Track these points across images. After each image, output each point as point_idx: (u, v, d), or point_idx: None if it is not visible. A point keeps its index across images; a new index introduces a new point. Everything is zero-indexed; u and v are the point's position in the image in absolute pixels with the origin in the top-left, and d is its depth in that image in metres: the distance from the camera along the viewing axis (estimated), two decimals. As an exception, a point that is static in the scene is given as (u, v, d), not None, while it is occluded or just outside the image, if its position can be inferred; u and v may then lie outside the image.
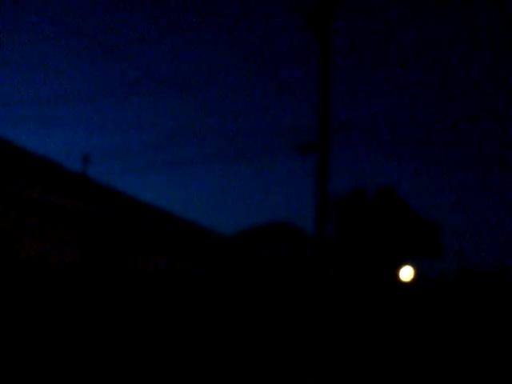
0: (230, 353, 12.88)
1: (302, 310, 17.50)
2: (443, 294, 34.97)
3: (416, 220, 35.68)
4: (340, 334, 17.19)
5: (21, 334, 9.78)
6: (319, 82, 15.21)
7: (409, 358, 13.48)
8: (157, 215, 15.67)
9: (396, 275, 33.61)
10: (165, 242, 14.79)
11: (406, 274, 33.98)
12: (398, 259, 34.61)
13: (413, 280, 34.29)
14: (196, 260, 16.20)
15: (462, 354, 14.65)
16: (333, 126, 15.86)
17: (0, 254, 9.82)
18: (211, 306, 15.85)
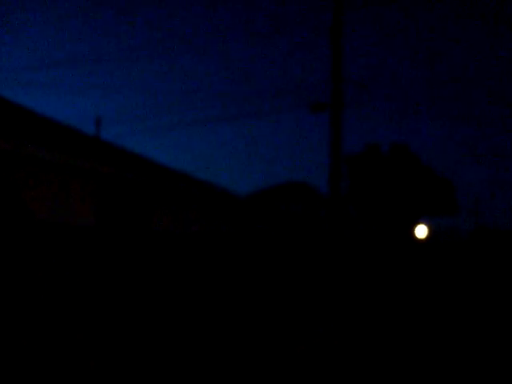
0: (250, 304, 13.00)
1: (316, 264, 17.57)
2: (459, 250, 34.98)
3: (430, 177, 35.53)
4: (355, 287, 17.27)
5: (41, 297, 9.89)
6: (331, 36, 15.02)
7: (419, 310, 13.55)
8: (171, 176, 15.69)
9: (411, 232, 33.64)
10: (180, 203, 14.84)
11: (421, 231, 34.05)
12: (413, 216, 34.61)
13: (428, 237, 34.34)
14: (211, 220, 16.26)
15: (475, 309, 14.71)
16: (347, 83, 15.70)
17: (16, 215, 9.89)
18: (228, 262, 15.95)
